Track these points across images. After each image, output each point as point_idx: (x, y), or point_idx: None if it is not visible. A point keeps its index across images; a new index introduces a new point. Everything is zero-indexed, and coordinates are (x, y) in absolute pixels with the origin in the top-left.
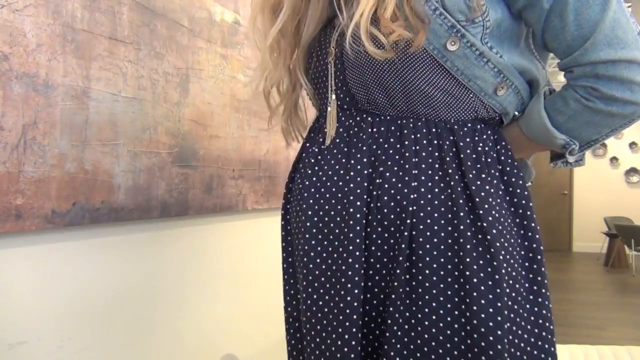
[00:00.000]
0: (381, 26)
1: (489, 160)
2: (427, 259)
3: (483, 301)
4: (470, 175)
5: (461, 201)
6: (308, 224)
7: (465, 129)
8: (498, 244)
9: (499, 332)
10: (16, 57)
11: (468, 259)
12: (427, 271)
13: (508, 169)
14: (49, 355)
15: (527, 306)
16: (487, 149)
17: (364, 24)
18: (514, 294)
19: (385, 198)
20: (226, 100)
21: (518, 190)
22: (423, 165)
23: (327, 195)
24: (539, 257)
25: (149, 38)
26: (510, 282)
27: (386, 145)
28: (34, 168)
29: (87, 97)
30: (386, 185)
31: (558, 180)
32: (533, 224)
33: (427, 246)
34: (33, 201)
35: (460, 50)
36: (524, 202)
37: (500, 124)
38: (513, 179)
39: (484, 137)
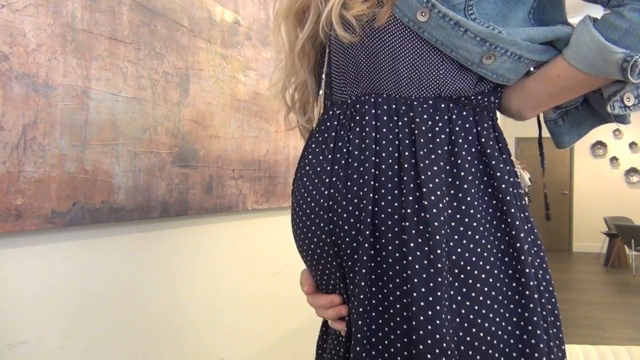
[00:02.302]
0: (348, 7)
1: (460, 140)
2: (390, 235)
3: (416, 280)
4: (421, 153)
5: (406, 177)
6: (297, 207)
7: (425, 105)
8: (437, 223)
9: (430, 313)
10: (16, 57)
11: (407, 235)
12: (389, 247)
13: (489, 151)
14: (49, 355)
15: (509, 293)
16: (456, 129)
17: (335, 8)
18: (491, 280)
19: (355, 176)
20: (226, 100)
21: (498, 174)
22: (384, 142)
23: (305, 179)
24: (518, 245)
25: (149, 38)
26: (482, 266)
27: (352, 124)
28: (34, 168)
29: (87, 97)
30: (355, 164)
31: (558, 180)
32: (513, 210)
33: (389, 222)
34: (33, 201)
35: (433, 20)
36: (503, 186)
37: (487, 103)
38: (493, 162)
39: (453, 117)
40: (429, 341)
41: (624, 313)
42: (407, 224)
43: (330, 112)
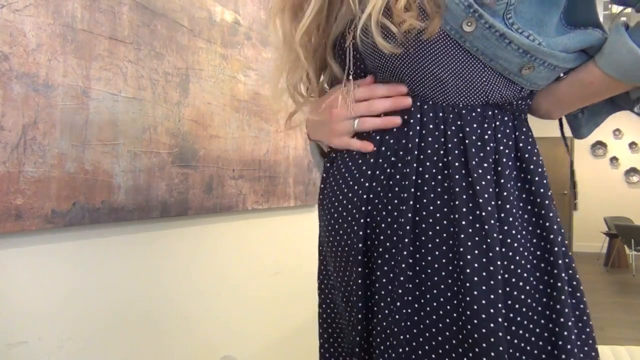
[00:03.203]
0: (394, 16)
1: (501, 147)
2: (430, 245)
3: (476, 292)
4: (474, 162)
5: (458, 189)
6: (329, 205)
7: (474, 113)
8: (496, 235)
9: (492, 325)
10: (16, 57)
11: (462, 249)
12: (429, 257)
13: (527, 155)
14: (49, 355)
15: (543, 300)
16: (499, 135)
17: (375, 16)
18: (527, 287)
19: (391, 182)
20: (226, 100)
21: (536, 178)
22: (429, 151)
23: (341, 181)
24: (555, 249)
25: (149, 38)
26: (520, 274)
27: (395, 129)
28: (34, 168)
29: (87, 97)
30: (398, 176)
31: (558, 180)
32: (551, 214)
33: (430, 233)
34: (33, 201)
35: (478, 31)
36: (542, 190)
37: (524, 106)
38: (532, 167)
39: (497, 123)
40: (484, 345)
41: (624, 313)
42: (462, 235)
43: None
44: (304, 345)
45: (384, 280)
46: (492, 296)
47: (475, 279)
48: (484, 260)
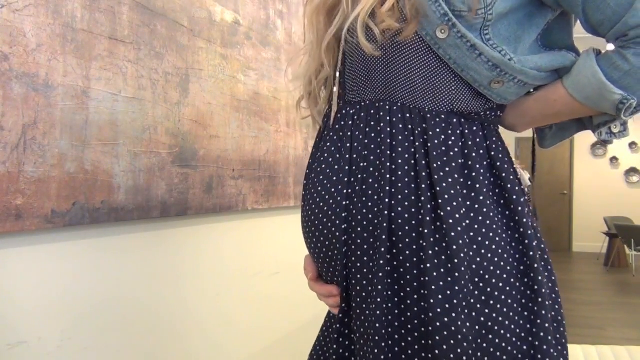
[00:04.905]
0: (377, 18)
1: (473, 154)
2: (407, 240)
3: (434, 287)
4: (435, 165)
5: (424, 186)
6: (311, 201)
7: (438, 119)
8: (454, 233)
9: (446, 320)
10: (16, 57)
11: (425, 243)
12: (407, 252)
13: (499, 164)
14: (49, 355)
15: (523, 301)
16: (469, 143)
17: (362, 16)
18: (508, 288)
19: (371, 180)
20: (226, 100)
21: (509, 186)
22: (399, 149)
23: (321, 176)
24: (531, 253)
25: (149, 38)
26: (500, 275)
27: (367, 129)
28: (34, 168)
29: (87, 97)
30: (371, 169)
31: (558, 180)
32: (525, 220)
33: (406, 227)
34: (33, 201)
35: (451, 39)
36: (515, 197)
37: (494, 117)
38: (504, 175)
39: (465, 131)
40: (445, 346)
41: (624, 313)
42: (426, 231)
43: (344, 112)
44: (304, 345)
45: (362, 277)
46: (448, 292)
47: (435, 274)
48: (443, 257)
